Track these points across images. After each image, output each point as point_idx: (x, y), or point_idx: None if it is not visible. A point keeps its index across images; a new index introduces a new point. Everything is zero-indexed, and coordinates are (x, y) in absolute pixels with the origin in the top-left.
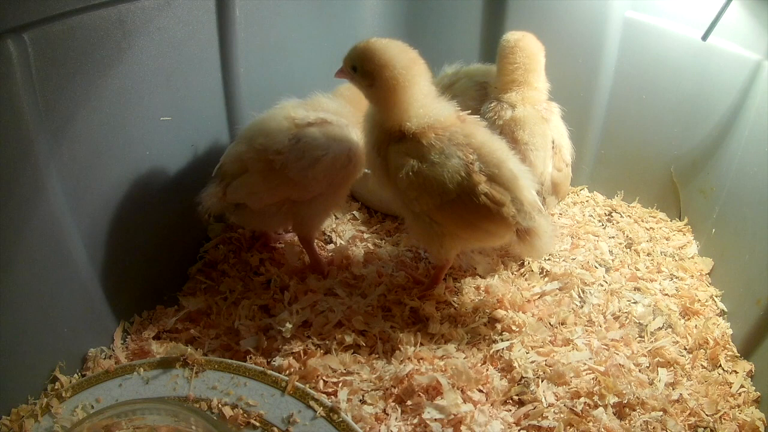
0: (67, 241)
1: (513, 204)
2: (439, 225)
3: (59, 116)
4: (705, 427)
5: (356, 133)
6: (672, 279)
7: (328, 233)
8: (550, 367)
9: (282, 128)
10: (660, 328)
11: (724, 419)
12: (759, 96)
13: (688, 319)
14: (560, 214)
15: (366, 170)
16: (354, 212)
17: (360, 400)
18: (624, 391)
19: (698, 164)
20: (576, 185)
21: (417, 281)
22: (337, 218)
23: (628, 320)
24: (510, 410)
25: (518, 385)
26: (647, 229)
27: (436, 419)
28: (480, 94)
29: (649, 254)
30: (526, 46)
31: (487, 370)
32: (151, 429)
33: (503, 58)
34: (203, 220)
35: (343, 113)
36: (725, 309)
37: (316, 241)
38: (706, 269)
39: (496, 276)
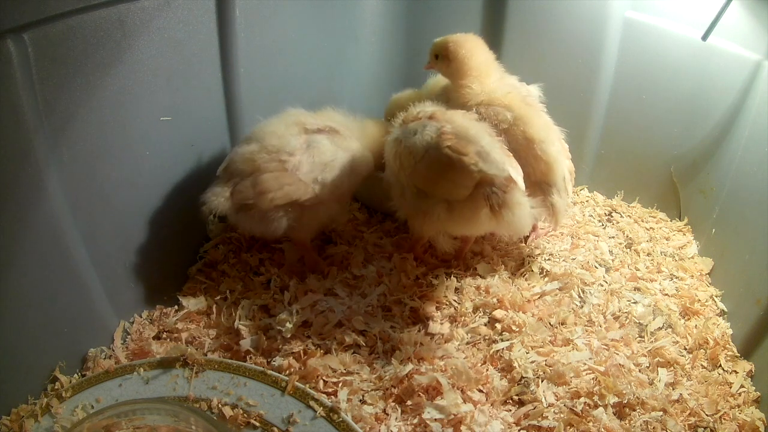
0: (67, 241)
1: (477, 155)
2: (425, 201)
3: (59, 116)
4: (705, 427)
5: (358, 145)
6: (672, 279)
7: (328, 233)
8: (550, 367)
9: (293, 132)
10: (660, 328)
11: (724, 419)
12: (759, 96)
13: (688, 319)
14: None
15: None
16: (354, 212)
17: (360, 400)
18: (624, 391)
19: (698, 164)
20: (576, 185)
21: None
22: None
23: (628, 320)
24: (510, 410)
25: (518, 385)
26: (647, 229)
27: (436, 419)
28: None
29: (649, 254)
30: (468, 48)
31: (487, 370)
32: (151, 429)
33: (451, 62)
34: (207, 220)
35: (349, 126)
36: (725, 309)
37: (315, 241)
38: (706, 269)
39: (496, 276)
